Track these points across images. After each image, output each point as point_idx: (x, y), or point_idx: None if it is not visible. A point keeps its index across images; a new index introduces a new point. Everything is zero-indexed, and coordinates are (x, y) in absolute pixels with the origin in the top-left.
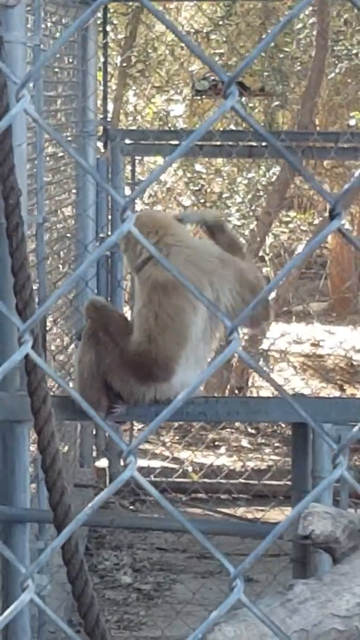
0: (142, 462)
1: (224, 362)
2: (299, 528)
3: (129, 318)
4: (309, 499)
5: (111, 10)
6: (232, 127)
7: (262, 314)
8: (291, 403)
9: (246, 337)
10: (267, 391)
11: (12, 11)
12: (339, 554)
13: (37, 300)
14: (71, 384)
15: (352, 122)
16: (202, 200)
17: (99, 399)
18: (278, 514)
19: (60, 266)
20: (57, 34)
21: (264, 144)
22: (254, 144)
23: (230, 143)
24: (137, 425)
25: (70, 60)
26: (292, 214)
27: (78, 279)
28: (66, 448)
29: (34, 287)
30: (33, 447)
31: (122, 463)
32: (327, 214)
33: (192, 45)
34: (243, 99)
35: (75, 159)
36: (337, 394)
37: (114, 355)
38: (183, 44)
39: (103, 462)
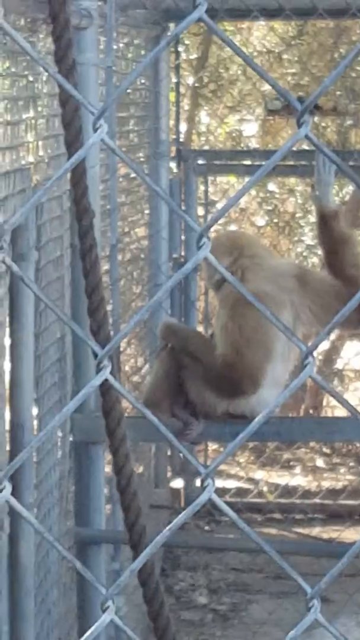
0: (218, 483)
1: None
2: None
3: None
4: None
5: (183, 31)
6: (305, 147)
7: (358, 317)
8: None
9: (320, 357)
10: (342, 411)
11: (84, 33)
12: None
13: (110, 321)
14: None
15: None
16: (276, 220)
17: (161, 401)
18: (354, 534)
19: (134, 287)
20: (129, 55)
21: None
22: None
23: (303, 163)
24: (212, 445)
25: (143, 81)
26: None
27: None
28: (141, 469)
29: (108, 309)
30: (108, 468)
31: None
32: None
33: (262, 72)
34: (315, 118)
35: (150, 187)
36: None
37: (197, 373)
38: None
39: (178, 483)
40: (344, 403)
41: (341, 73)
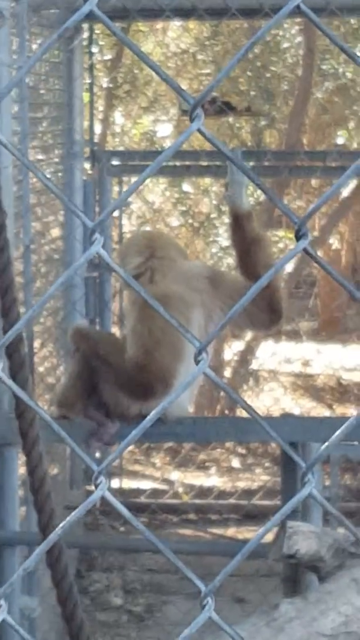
0: (132, 484)
1: (212, 383)
2: (284, 547)
3: (119, 337)
4: (277, 517)
5: (97, 32)
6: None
7: (272, 318)
8: (261, 424)
9: (235, 358)
10: (258, 411)
11: None
12: (325, 573)
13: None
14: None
15: (339, 141)
16: (190, 221)
17: (74, 403)
18: (268, 534)
19: (49, 287)
20: (44, 55)
21: (252, 163)
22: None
23: (217, 163)
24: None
25: (57, 82)
26: (280, 233)
27: (50, 298)
28: (56, 470)
29: (22, 310)
30: (23, 470)
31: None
32: (315, 233)
33: (158, 69)
34: (230, 118)
35: (42, 182)
36: (327, 413)
37: (109, 376)
38: (170, 65)
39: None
40: (240, 401)
41: (231, 69)
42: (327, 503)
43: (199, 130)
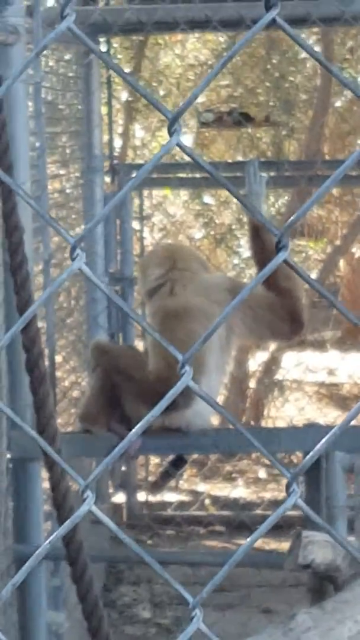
0: (159, 496)
1: (239, 394)
2: (299, 557)
3: (140, 350)
4: (263, 528)
5: (114, 45)
6: (240, 158)
7: (292, 327)
8: (243, 432)
9: (260, 369)
10: (282, 422)
11: (11, 49)
12: (341, 582)
13: (45, 337)
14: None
15: None
16: (212, 233)
17: (97, 417)
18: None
19: (72, 302)
20: (60, 70)
21: (272, 173)
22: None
23: (237, 174)
24: (154, 459)
25: (75, 97)
26: (302, 242)
27: (34, 312)
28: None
29: (42, 325)
30: (47, 485)
31: (141, 499)
32: (337, 242)
33: (136, 85)
34: (249, 129)
35: (20, 196)
36: (353, 422)
37: (131, 388)
38: (189, 76)
39: (120, 498)
40: (217, 408)
41: (209, 82)
42: (312, 512)
43: (178, 145)
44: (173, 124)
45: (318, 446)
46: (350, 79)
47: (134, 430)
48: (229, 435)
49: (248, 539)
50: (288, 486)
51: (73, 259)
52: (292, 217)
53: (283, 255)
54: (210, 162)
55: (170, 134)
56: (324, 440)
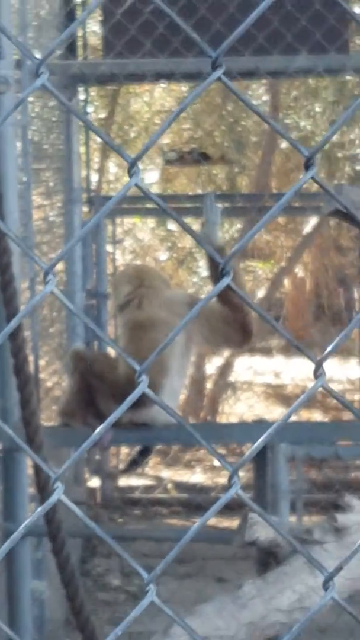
0: (128, 482)
1: (198, 393)
2: (246, 535)
3: (113, 356)
4: (210, 513)
5: (92, 93)
6: (199, 191)
7: (241, 337)
8: (186, 427)
9: (215, 372)
10: (234, 418)
11: (2, 97)
12: (281, 557)
13: (29, 345)
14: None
15: None
16: (175, 255)
17: (75, 413)
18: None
19: (54, 313)
20: (45, 115)
21: (226, 205)
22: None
23: (196, 205)
24: (124, 449)
25: (57, 138)
26: (253, 263)
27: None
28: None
29: (28, 333)
30: (30, 471)
31: (115, 484)
32: (283, 264)
33: (100, 133)
34: (207, 166)
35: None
36: (294, 418)
37: (105, 389)
38: (156, 121)
39: (95, 482)
40: (160, 404)
41: (162, 133)
42: (252, 503)
43: (137, 185)
44: (132, 167)
45: (258, 442)
46: (294, 123)
47: (100, 427)
48: (196, 429)
49: (197, 522)
50: (230, 478)
51: (46, 283)
52: (234, 248)
53: (226, 281)
54: (174, 195)
55: (130, 175)
56: (263, 436)
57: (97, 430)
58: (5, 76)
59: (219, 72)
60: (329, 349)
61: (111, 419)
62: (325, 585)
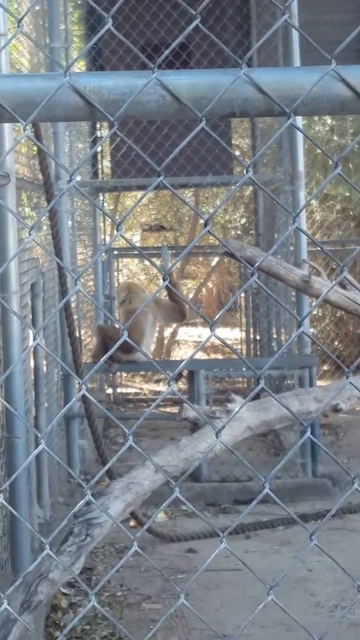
0: (123, 390)
1: (160, 346)
2: (182, 414)
3: (117, 327)
4: (155, 404)
5: (106, 196)
6: (159, 244)
7: (180, 317)
8: (152, 361)
9: (168, 335)
10: (178, 358)
11: (3, 189)
12: (200, 425)
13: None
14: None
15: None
16: (148, 276)
17: (98, 356)
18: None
19: (89, 307)
20: (83, 207)
21: (172, 251)
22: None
23: (158, 251)
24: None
25: (89, 219)
26: (187, 280)
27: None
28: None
29: (76, 316)
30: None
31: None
32: (202, 280)
33: (108, 214)
34: (164, 233)
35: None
36: (212, 357)
37: (113, 344)
38: (137, 209)
39: (110, 390)
40: (147, 355)
41: (133, 208)
42: (184, 397)
43: (122, 236)
44: (118, 227)
45: (185, 360)
46: (207, 209)
47: (102, 359)
48: (159, 363)
49: (151, 406)
50: (168, 383)
51: (75, 285)
52: (170, 266)
53: (165, 283)
54: (147, 246)
55: (117, 230)
56: (189, 356)
57: (102, 359)
58: (7, 171)
59: (160, 178)
60: (217, 315)
61: (109, 354)
62: (217, 435)
